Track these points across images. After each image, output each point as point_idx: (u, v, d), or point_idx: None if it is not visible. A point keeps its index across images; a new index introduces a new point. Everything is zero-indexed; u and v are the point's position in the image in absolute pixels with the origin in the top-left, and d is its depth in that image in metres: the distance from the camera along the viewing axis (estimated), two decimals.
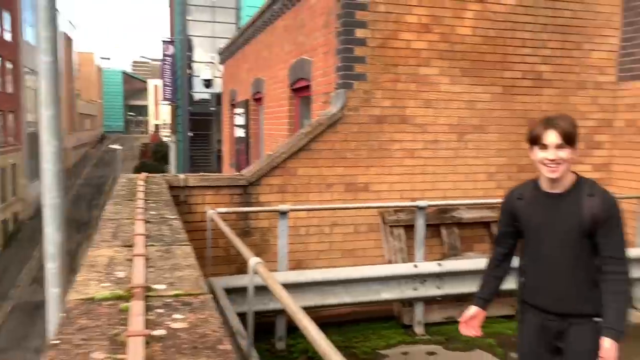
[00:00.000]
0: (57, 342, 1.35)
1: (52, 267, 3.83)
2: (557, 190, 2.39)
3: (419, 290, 4.95)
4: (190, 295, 1.72)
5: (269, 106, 9.04)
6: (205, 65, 22.35)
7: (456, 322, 2.91)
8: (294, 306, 2.03)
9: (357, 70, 5.47)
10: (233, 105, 12.78)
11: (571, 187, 2.38)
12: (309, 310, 4.86)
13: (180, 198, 5.01)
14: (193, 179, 5.07)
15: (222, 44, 15.75)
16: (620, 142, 6.20)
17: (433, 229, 5.63)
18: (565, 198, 2.37)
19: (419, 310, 5.06)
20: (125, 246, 2.33)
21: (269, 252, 5.23)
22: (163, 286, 1.80)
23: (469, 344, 4.64)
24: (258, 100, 10.16)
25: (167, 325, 1.47)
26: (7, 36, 29.51)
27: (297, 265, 5.30)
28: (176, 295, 1.71)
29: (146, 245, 2.33)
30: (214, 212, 4.37)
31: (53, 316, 3.75)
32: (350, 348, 4.66)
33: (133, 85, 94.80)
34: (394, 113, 5.60)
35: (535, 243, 2.46)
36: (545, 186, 2.43)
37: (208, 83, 21.67)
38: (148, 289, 1.75)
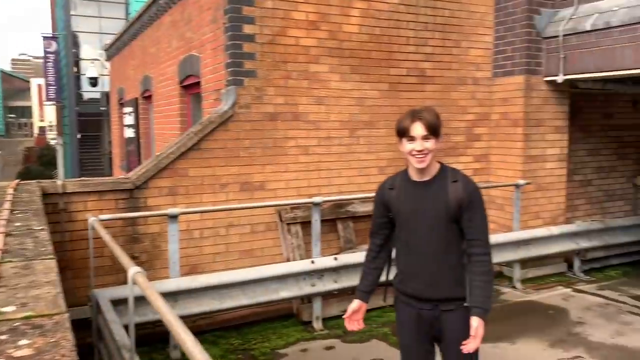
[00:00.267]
0: None
1: None
2: (425, 178, 2.51)
3: (317, 285, 4.99)
4: (43, 316, 1.55)
5: (159, 104, 8.65)
6: (91, 62, 20.97)
7: None
8: (170, 316, 1.92)
9: (247, 66, 5.37)
10: (121, 104, 12.11)
11: (437, 174, 2.51)
12: (206, 315, 4.75)
13: (59, 206, 4.64)
14: (72, 184, 4.71)
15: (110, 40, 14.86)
16: (496, 134, 6.66)
17: (330, 223, 5.70)
18: (432, 185, 2.50)
19: (317, 305, 5.10)
20: None
21: (161, 258, 5.01)
22: (12, 308, 1.61)
23: (365, 335, 4.74)
24: (147, 98, 9.70)
25: (9, 354, 1.30)
26: None
27: (192, 269, 5.12)
28: (27, 317, 1.54)
29: (1, 262, 2.09)
30: (95, 219, 4.08)
31: None
32: (249, 350, 4.58)
33: (13, 84, 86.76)
34: (287, 110, 5.58)
35: (406, 231, 2.56)
36: (414, 176, 2.54)
37: (94, 81, 20.35)
38: None
